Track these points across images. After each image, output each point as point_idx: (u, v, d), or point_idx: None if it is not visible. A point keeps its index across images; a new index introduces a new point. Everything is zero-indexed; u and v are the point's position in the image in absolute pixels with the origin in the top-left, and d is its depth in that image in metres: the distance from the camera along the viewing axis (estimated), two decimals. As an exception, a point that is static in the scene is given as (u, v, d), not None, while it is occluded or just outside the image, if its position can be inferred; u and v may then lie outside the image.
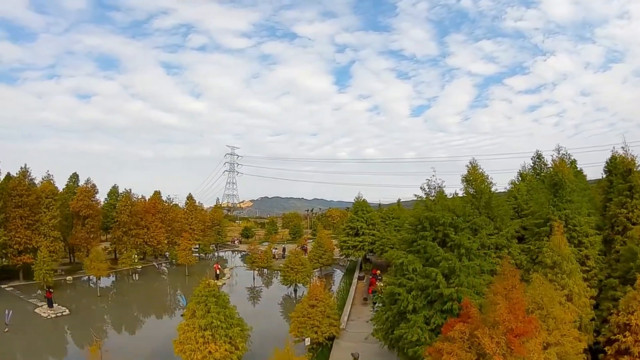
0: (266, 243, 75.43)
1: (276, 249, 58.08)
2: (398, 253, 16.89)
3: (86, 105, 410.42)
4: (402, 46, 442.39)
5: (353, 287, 32.97)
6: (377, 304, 24.54)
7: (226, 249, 73.52)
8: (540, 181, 25.60)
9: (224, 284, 40.67)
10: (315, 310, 21.15)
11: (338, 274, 46.47)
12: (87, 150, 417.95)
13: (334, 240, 60.47)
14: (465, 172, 21.91)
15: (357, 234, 41.52)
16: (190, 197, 62.95)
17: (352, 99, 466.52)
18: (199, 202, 70.26)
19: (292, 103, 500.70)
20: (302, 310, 21.46)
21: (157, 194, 57.69)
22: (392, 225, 42.28)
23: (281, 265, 41.19)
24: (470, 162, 21.96)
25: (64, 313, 29.87)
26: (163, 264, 49.14)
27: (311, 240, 76.71)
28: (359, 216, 42.17)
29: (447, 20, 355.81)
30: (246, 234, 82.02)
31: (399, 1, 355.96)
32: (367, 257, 43.20)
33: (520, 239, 21.04)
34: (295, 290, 37.22)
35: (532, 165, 29.55)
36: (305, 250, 58.88)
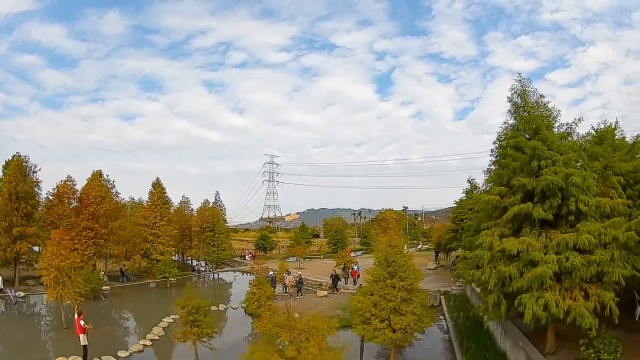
0: (293, 259, 49.73)
1: (290, 272, 30.59)
2: None
3: (132, 126, 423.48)
4: (441, 49, 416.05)
5: None
6: None
7: (229, 268, 48.47)
8: None
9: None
10: None
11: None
12: (136, 169, 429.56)
13: (408, 251, 32.63)
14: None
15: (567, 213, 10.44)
16: (156, 184, 38.62)
17: (395, 106, 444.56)
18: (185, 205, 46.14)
19: (336, 113, 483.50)
20: None
21: (95, 175, 34.13)
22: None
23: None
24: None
25: None
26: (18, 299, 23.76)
27: (356, 253, 48.65)
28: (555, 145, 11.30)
29: (483, 19, 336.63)
30: (262, 245, 56.10)
31: (434, 3, 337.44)
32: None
33: None
34: None
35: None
36: (346, 273, 31.71)
